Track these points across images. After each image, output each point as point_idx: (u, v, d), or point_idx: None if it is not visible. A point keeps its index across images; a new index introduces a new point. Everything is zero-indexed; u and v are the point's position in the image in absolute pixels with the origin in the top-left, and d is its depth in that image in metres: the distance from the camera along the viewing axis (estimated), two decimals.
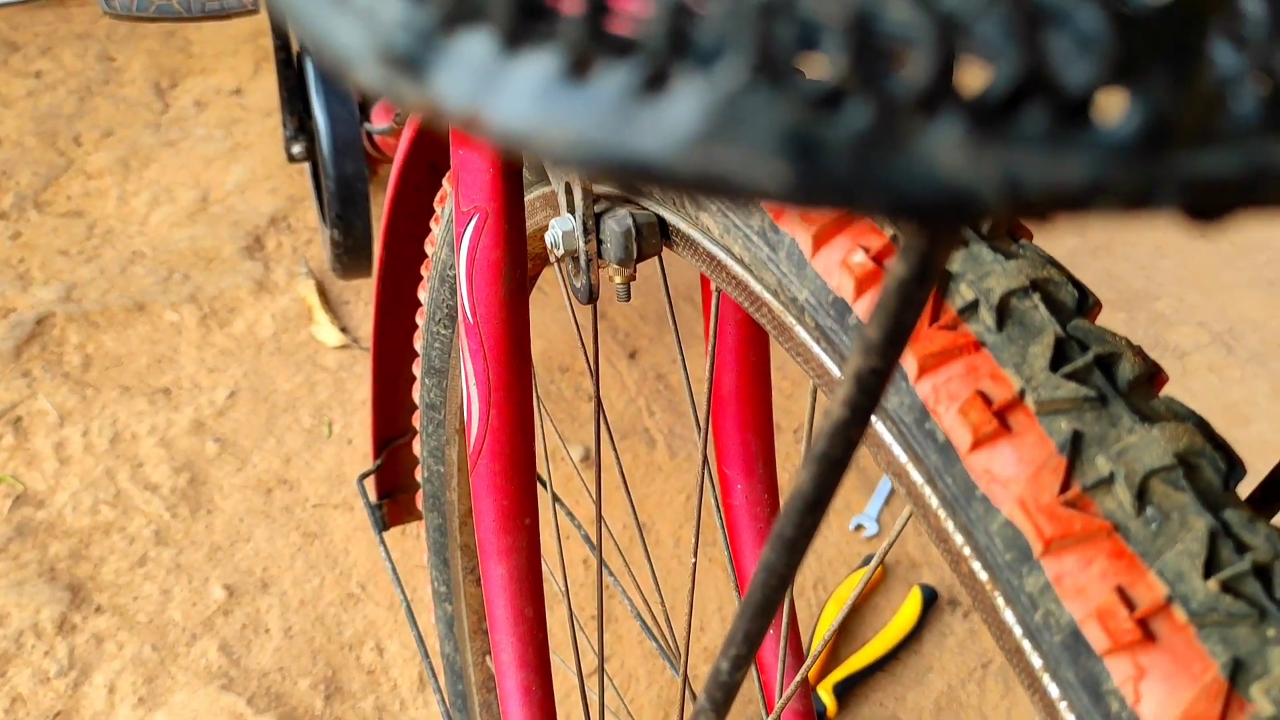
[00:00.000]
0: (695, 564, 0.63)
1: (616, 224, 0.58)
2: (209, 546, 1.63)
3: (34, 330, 1.95)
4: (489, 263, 0.66)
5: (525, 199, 0.74)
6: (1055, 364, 0.37)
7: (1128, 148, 0.13)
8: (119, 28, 2.88)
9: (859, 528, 1.71)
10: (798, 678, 0.55)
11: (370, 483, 1.29)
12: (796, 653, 0.81)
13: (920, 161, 0.13)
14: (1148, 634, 0.32)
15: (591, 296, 0.61)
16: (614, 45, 0.14)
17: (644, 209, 0.60)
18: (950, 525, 0.39)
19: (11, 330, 1.93)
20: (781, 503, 0.36)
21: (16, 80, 2.65)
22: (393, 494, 1.30)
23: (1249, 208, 0.14)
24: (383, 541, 1.16)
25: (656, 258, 0.66)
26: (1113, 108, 0.13)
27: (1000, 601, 0.37)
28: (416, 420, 1.06)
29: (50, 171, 2.37)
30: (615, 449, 0.75)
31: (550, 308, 2.07)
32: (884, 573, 1.66)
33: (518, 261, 0.67)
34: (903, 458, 0.41)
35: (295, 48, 1.84)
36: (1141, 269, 2.30)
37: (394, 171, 0.98)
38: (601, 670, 0.76)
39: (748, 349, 0.78)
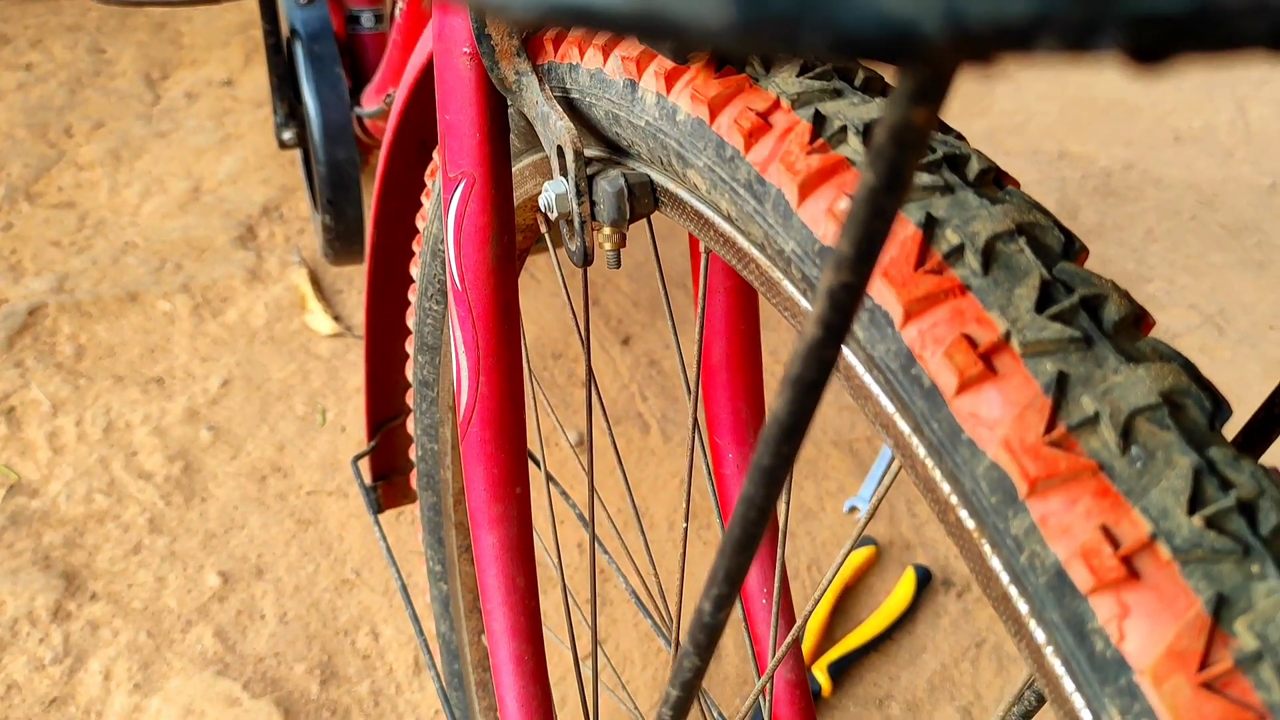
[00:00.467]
0: (686, 529, 0.63)
1: (609, 185, 0.58)
2: (203, 534, 1.62)
3: (26, 321, 1.94)
4: (476, 228, 0.66)
5: (514, 168, 0.74)
6: (1041, 306, 0.37)
7: None
8: (109, 20, 2.87)
9: (853, 510, 1.71)
10: (789, 639, 0.55)
11: (365, 465, 1.29)
12: (789, 620, 0.81)
13: None
14: (1132, 572, 0.32)
15: (586, 259, 0.61)
16: None
17: (634, 170, 0.59)
18: (937, 473, 0.39)
19: (4, 321, 1.93)
20: None
21: (7, 73, 2.65)
22: (388, 476, 1.29)
23: (1191, 50, 0.13)
24: (378, 523, 1.16)
25: (651, 246, 0.66)
26: None
27: (987, 548, 0.37)
28: (410, 399, 1.06)
29: (41, 163, 2.37)
30: (610, 428, 0.74)
31: (542, 294, 2.06)
32: (878, 553, 1.66)
33: (505, 227, 0.67)
34: (890, 407, 0.41)
35: (285, 33, 1.84)
36: (1133, 252, 2.30)
37: (384, 149, 0.98)
38: (595, 645, 0.76)
39: (737, 318, 0.78)
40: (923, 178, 0.41)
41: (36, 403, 1.80)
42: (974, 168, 0.42)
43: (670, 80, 0.51)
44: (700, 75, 0.49)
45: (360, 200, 1.72)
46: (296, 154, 2.37)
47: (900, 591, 1.57)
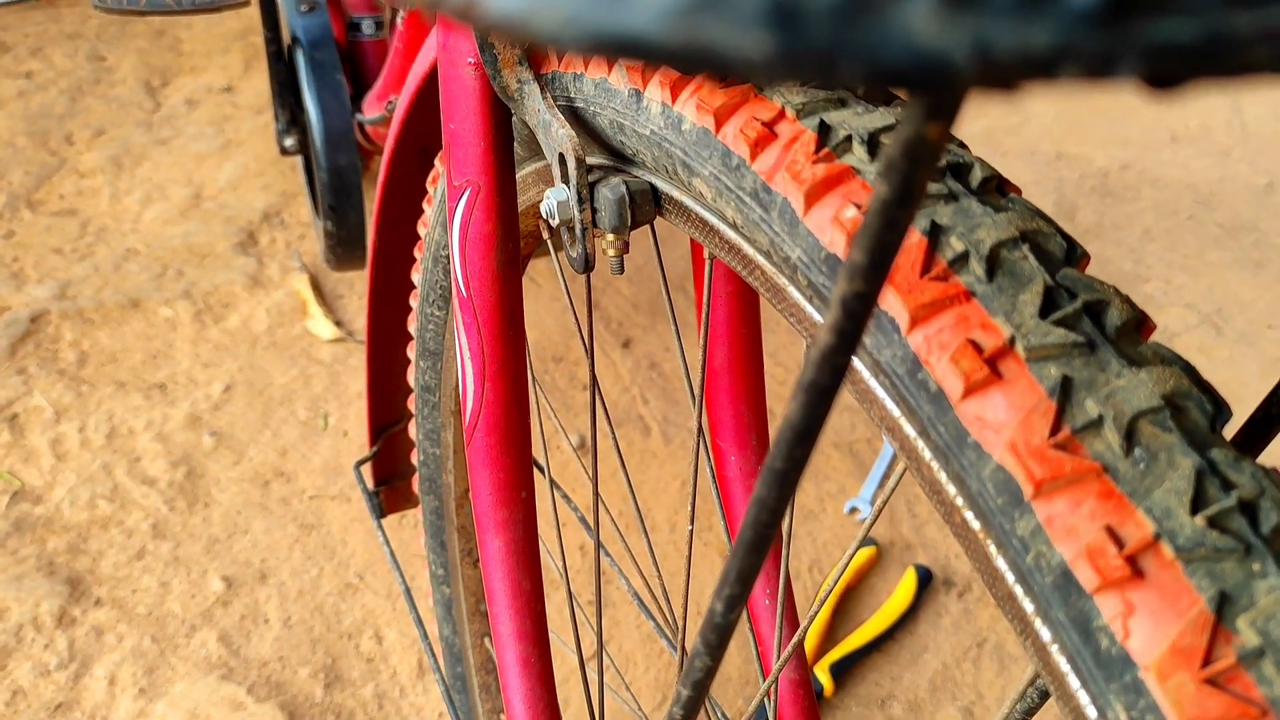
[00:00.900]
0: (691, 531, 0.64)
1: (610, 192, 0.59)
2: (207, 539, 1.63)
3: (29, 328, 1.95)
4: (481, 236, 0.67)
5: (517, 175, 0.75)
6: (1045, 311, 0.37)
7: (1092, 15, 0.14)
8: (109, 28, 2.88)
9: (853, 511, 1.71)
10: (794, 641, 0.56)
11: (367, 470, 1.29)
12: (792, 620, 0.82)
13: (896, 29, 0.14)
14: (1136, 570, 0.32)
15: (587, 265, 0.61)
16: None
17: (637, 177, 0.60)
18: (943, 476, 0.39)
19: (6, 328, 1.94)
20: None
21: (7, 81, 2.65)
22: (389, 481, 1.30)
23: (1205, 76, 0.14)
24: (381, 527, 1.17)
25: (654, 248, 0.66)
26: None
27: (993, 549, 0.37)
28: (412, 404, 1.06)
29: (42, 171, 2.37)
30: (613, 431, 0.75)
31: (543, 299, 2.07)
32: (879, 554, 1.66)
33: (510, 234, 0.67)
34: (895, 411, 0.41)
35: (286, 41, 1.84)
36: (1130, 252, 2.31)
37: (385, 156, 0.99)
38: (600, 647, 0.76)
39: (738, 323, 0.79)
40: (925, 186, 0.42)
41: (39, 409, 1.81)
42: (977, 176, 0.43)
43: (675, 90, 0.51)
44: (705, 85, 0.50)
45: (362, 206, 1.73)
46: (297, 160, 2.38)
47: (901, 592, 1.57)
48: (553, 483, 0.87)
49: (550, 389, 1.91)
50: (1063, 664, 0.35)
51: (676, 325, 0.69)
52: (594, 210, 0.60)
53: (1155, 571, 0.32)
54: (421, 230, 0.92)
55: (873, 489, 1.74)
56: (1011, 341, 0.37)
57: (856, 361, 0.43)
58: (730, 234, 0.52)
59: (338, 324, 2.02)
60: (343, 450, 1.78)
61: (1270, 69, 0.14)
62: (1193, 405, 0.36)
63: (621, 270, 0.63)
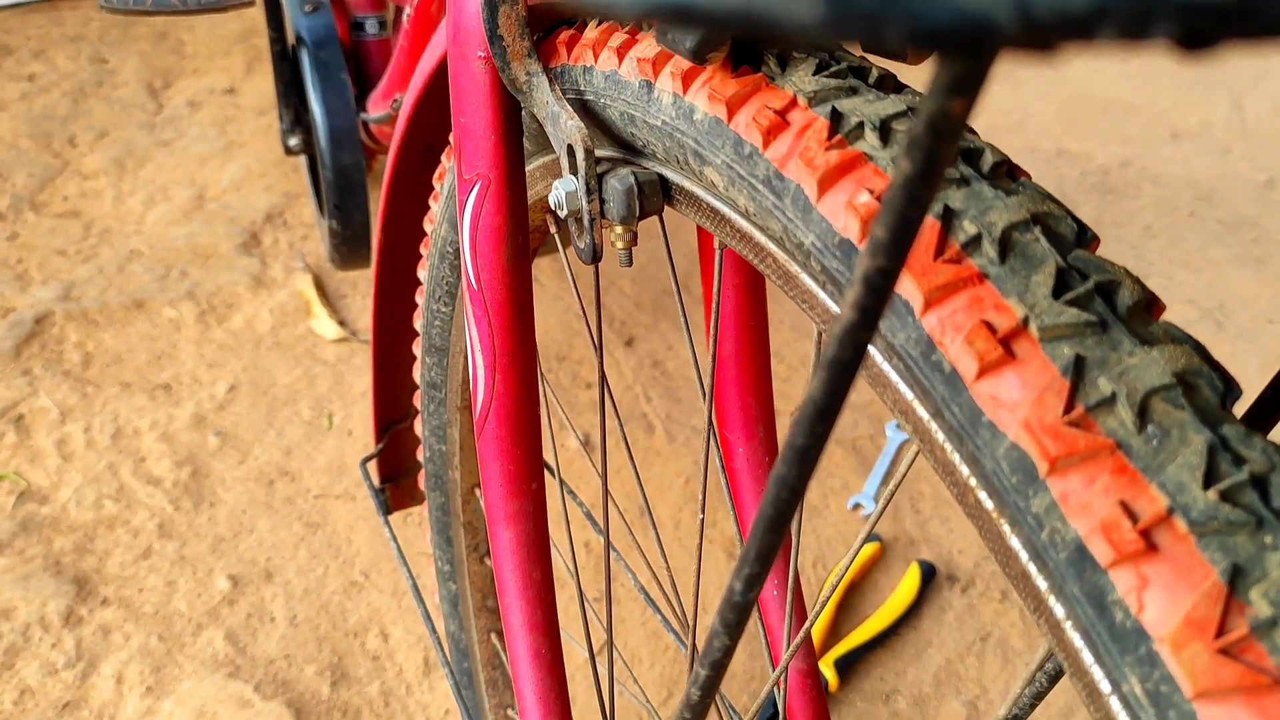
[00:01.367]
0: (703, 520, 0.64)
1: (619, 183, 0.59)
2: (213, 538, 1.63)
3: (33, 329, 1.95)
4: (492, 228, 0.67)
5: (527, 169, 0.75)
6: (1057, 292, 0.38)
7: None
8: (111, 30, 2.88)
9: (857, 506, 1.72)
10: (803, 630, 0.56)
11: (373, 467, 1.30)
12: (800, 612, 0.82)
13: None
14: (1150, 544, 0.33)
15: (595, 256, 0.62)
16: None
17: (645, 168, 0.61)
18: (957, 457, 0.40)
19: (11, 330, 1.94)
20: None
21: (10, 83, 2.66)
22: (395, 478, 1.30)
23: (1238, 37, 0.15)
24: (387, 524, 1.17)
25: (655, 248, 0.67)
26: None
27: (1006, 527, 0.38)
28: (418, 400, 1.07)
29: (46, 173, 2.38)
30: (621, 426, 0.76)
31: (545, 297, 2.08)
32: (883, 550, 1.67)
33: (520, 227, 0.68)
34: (909, 394, 0.42)
35: (290, 41, 1.85)
36: (1132, 248, 2.31)
37: (391, 153, 0.99)
38: (610, 641, 0.77)
39: (745, 315, 0.79)
40: None
41: (45, 410, 1.81)
42: (988, 160, 0.43)
43: (687, 81, 0.52)
44: (717, 75, 0.51)
45: (366, 205, 1.74)
46: (299, 161, 2.39)
47: (905, 587, 1.58)
48: (560, 479, 0.88)
49: (555, 388, 1.91)
50: (1077, 640, 0.35)
51: (685, 318, 0.69)
52: (602, 201, 0.61)
53: (1169, 545, 0.33)
54: (428, 226, 0.92)
55: (876, 485, 1.75)
56: (1025, 322, 0.37)
57: (871, 346, 0.43)
58: (742, 222, 0.52)
59: (341, 324, 2.03)
60: (347, 449, 1.79)
61: None
62: (1204, 383, 0.36)
63: (630, 262, 0.64)
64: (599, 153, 0.64)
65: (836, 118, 0.45)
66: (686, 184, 0.57)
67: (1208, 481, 0.33)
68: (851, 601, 1.61)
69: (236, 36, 2.93)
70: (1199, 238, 2.36)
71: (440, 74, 0.87)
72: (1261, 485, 0.33)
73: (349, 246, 1.77)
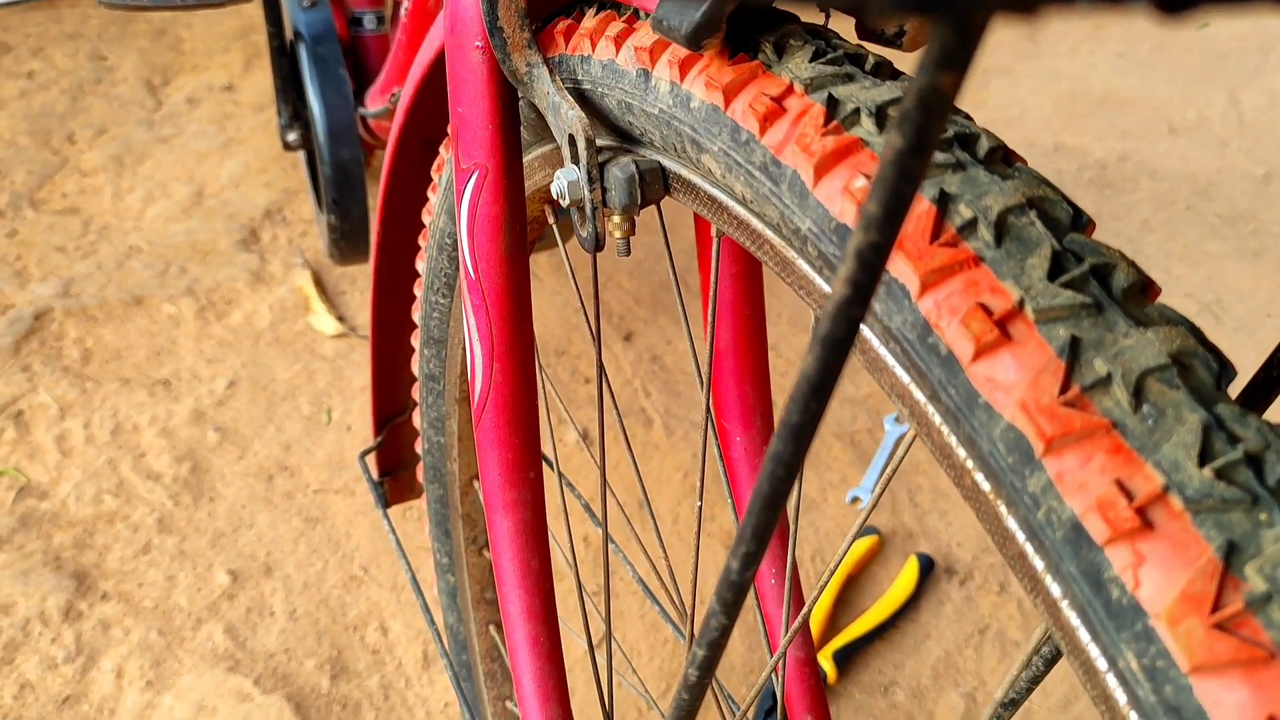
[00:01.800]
0: (700, 507, 0.64)
1: (620, 171, 0.59)
2: (212, 533, 1.64)
3: (33, 325, 1.96)
4: (490, 218, 0.67)
5: (524, 159, 0.75)
6: (1053, 274, 0.38)
7: None
8: (110, 27, 2.88)
9: (855, 500, 1.72)
10: (801, 615, 0.56)
11: (372, 460, 1.30)
12: (798, 600, 0.83)
13: None
14: (1146, 522, 0.33)
15: (598, 245, 0.62)
16: None
17: (645, 156, 0.61)
18: (954, 439, 0.40)
19: (10, 326, 1.94)
20: None
21: (9, 81, 2.66)
22: (394, 471, 1.31)
23: (1213, 1, 0.15)
24: (387, 517, 1.17)
25: (653, 243, 0.67)
26: None
27: (1003, 508, 0.38)
28: (416, 393, 1.07)
29: (45, 170, 2.38)
30: (620, 418, 0.76)
31: (544, 292, 2.08)
32: (881, 543, 1.67)
33: (517, 216, 0.68)
34: (906, 378, 0.42)
35: (289, 36, 1.85)
36: (1130, 243, 2.31)
37: (390, 146, 0.99)
38: (609, 632, 0.77)
39: (742, 305, 0.80)
40: (935, 155, 0.42)
41: (44, 406, 1.81)
42: (984, 145, 0.44)
43: (684, 68, 0.52)
44: (714, 63, 0.51)
45: (365, 200, 1.74)
46: (298, 157, 2.39)
47: (903, 580, 1.58)
48: (559, 473, 0.88)
49: (553, 382, 1.91)
50: (1073, 618, 0.36)
51: (684, 308, 0.70)
52: (604, 190, 0.61)
53: (1164, 522, 0.33)
54: (426, 218, 0.92)
55: (874, 478, 1.75)
56: (1021, 304, 0.37)
57: (867, 331, 0.43)
58: (739, 209, 0.53)
59: (340, 319, 2.03)
60: (346, 445, 1.79)
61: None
62: (1199, 363, 0.36)
63: (628, 252, 0.64)
64: (598, 142, 0.65)
65: (833, 104, 0.46)
66: (684, 172, 0.58)
67: (1203, 460, 0.33)
68: (850, 595, 1.61)
69: (235, 33, 2.93)
70: (1197, 231, 2.36)
71: (438, 66, 0.87)
72: (1256, 463, 0.34)
73: (347, 241, 1.77)
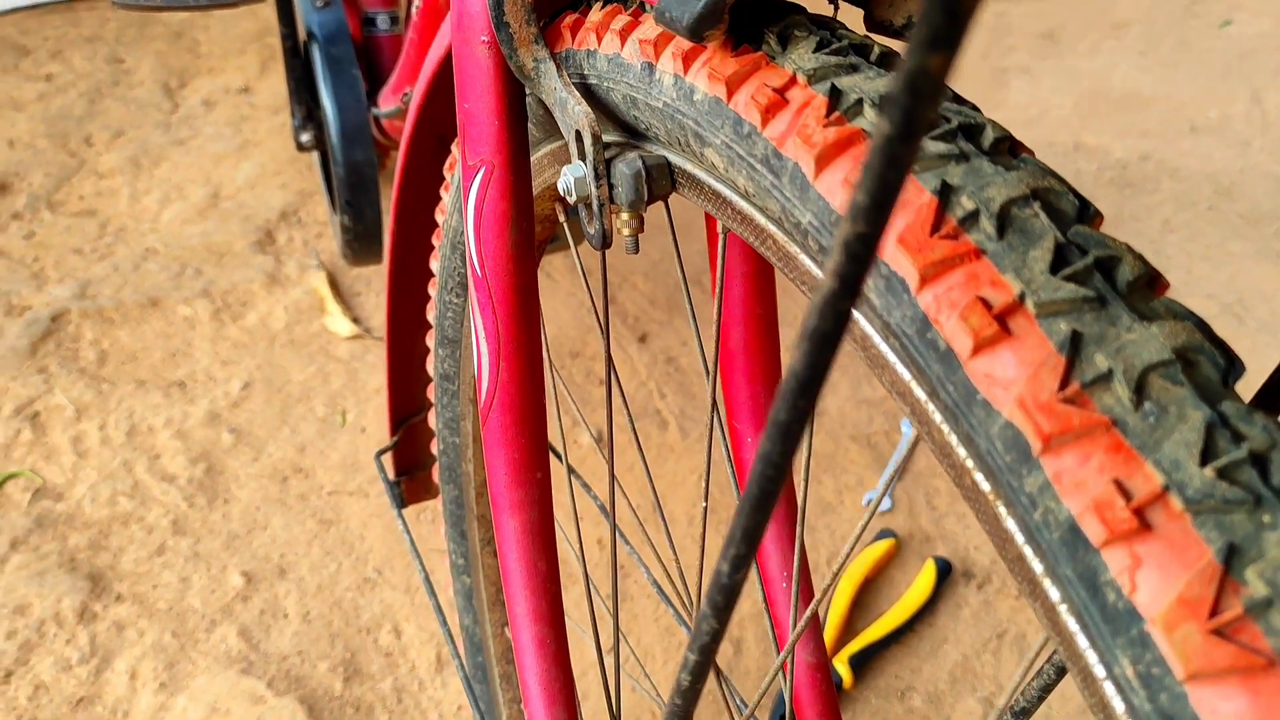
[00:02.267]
0: (705, 509, 0.64)
1: (626, 167, 0.59)
2: (226, 535, 1.64)
3: (49, 327, 1.96)
4: (496, 215, 0.67)
5: (532, 157, 0.75)
6: (1055, 268, 0.37)
7: None
8: (127, 30, 2.89)
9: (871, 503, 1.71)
10: (807, 613, 0.55)
11: (388, 460, 1.30)
12: (809, 601, 0.82)
13: None
14: (1144, 523, 0.32)
15: (605, 242, 0.61)
16: None
17: (651, 152, 0.60)
18: (953, 437, 0.39)
19: (27, 328, 1.95)
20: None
21: (27, 84, 2.67)
22: (410, 471, 1.30)
23: None
24: (402, 518, 1.17)
25: (669, 243, 0.66)
26: None
27: (1002, 509, 0.37)
28: (431, 393, 1.07)
29: (62, 172, 2.39)
30: (631, 420, 0.75)
31: (559, 294, 2.07)
32: (898, 546, 1.66)
33: (524, 213, 0.67)
34: (906, 375, 0.41)
35: (302, 37, 1.85)
36: (1150, 243, 2.30)
37: (403, 145, 0.99)
38: (617, 636, 0.76)
39: (754, 303, 0.79)
40: (938, 146, 0.41)
41: (60, 408, 1.81)
42: (989, 136, 0.43)
43: (688, 61, 0.51)
44: (717, 55, 0.50)
45: (378, 200, 1.73)
46: (313, 158, 2.39)
47: (921, 584, 1.57)
48: (570, 470, 0.88)
49: (568, 384, 1.91)
50: (1071, 624, 0.35)
51: (692, 307, 0.69)
52: (611, 186, 0.60)
53: (1163, 524, 0.32)
54: (439, 217, 0.92)
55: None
56: (1021, 298, 0.37)
57: (868, 326, 0.43)
58: (742, 204, 0.52)
59: (355, 321, 2.03)
60: (361, 446, 1.79)
61: None
62: (1204, 359, 0.35)
63: (636, 250, 0.63)
64: (605, 138, 0.64)
65: (835, 95, 0.45)
66: (689, 167, 0.57)
67: (1205, 459, 0.32)
68: (866, 598, 1.60)
69: (251, 36, 2.93)
70: (1218, 232, 2.34)
71: (449, 64, 0.86)
72: (1261, 463, 0.33)
73: (361, 242, 1.77)
